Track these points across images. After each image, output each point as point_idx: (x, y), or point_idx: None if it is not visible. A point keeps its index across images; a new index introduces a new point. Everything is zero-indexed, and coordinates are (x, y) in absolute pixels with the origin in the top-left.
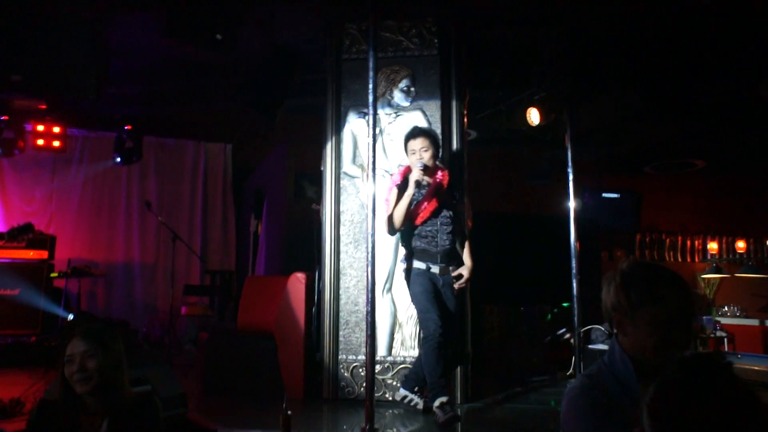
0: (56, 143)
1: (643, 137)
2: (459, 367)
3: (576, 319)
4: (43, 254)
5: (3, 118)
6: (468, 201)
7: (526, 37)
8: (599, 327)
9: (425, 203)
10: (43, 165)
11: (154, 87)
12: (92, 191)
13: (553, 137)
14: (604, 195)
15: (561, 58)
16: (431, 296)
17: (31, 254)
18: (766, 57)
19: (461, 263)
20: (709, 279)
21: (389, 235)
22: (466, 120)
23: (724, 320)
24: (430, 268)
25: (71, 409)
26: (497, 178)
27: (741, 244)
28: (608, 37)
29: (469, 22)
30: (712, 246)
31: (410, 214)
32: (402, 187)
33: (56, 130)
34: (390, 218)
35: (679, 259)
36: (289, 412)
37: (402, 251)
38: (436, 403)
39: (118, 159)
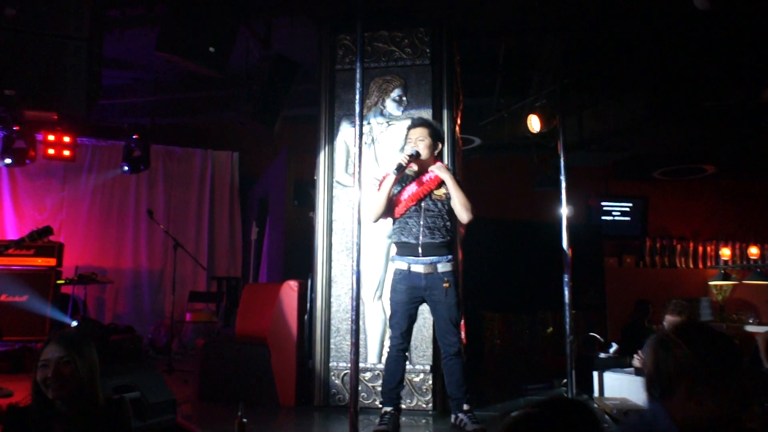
0: (66, 152)
1: (651, 143)
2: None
3: (568, 327)
4: (51, 261)
5: (14, 128)
6: None
7: (523, 45)
8: (595, 335)
9: (409, 192)
10: (54, 174)
11: (160, 97)
12: (101, 199)
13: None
14: (609, 201)
15: (559, 66)
16: (404, 308)
17: (39, 261)
18: None
19: (451, 261)
20: (720, 285)
21: (373, 233)
22: (458, 129)
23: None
24: (411, 267)
25: (43, 414)
26: (503, 185)
27: (754, 250)
28: (609, 44)
29: (462, 32)
30: (725, 252)
31: (392, 202)
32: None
33: (66, 139)
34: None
35: (691, 266)
36: (245, 420)
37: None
38: (382, 410)
39: (126, 168)
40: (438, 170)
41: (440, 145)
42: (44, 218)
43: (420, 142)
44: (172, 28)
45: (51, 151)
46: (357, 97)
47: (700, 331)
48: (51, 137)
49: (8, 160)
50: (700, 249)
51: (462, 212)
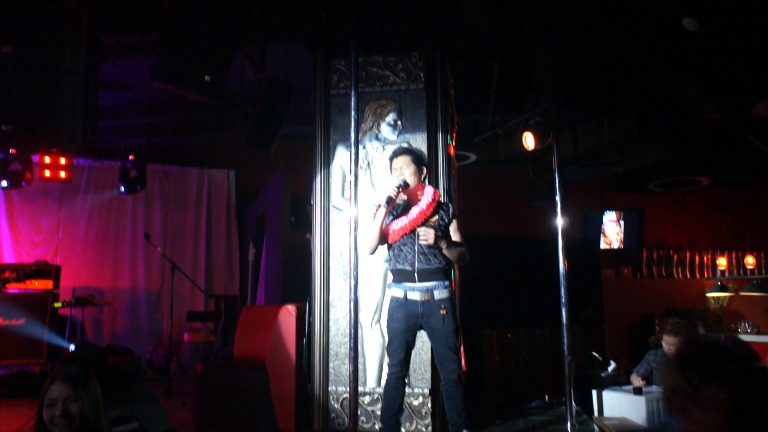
0: (63, 174)
1: (644, 157)
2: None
3: (566, 347)
4: (48, 284)
5: (11, 151)
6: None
7: (516, 64)
8: (594, 354)
9: (402, 220)
10: (50, 195)
11: (156, 118)
12: (98, 220)
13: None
14: (605, 213)
15: (552, 84)
16: (402, 336)
17: (36, 284)
18: (761, 79)
19: (448, 288)
20: (717, 297)
21: (370, 258)
22: (453, 152)
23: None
24: (407, 294)
25: None
26: (500, 200)
27: (750, 260)
28: (601, 61)
29: (455, 54)
30: (721, 262)
31: (384, 231)
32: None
33: (62, 161)
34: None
35: (688, 276)
36: None
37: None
38: None
39: (123, 188)
40: (430, 238)
41: (425, 170)
42: (41, 239)
43: (405, 170)
44: (168, 58)
45: (47, 173)
46: (352, 124)
47: (698, 351)
48: (47, 159)
49: (4, 183)
50: (697, 259)
51: (459, 264)
